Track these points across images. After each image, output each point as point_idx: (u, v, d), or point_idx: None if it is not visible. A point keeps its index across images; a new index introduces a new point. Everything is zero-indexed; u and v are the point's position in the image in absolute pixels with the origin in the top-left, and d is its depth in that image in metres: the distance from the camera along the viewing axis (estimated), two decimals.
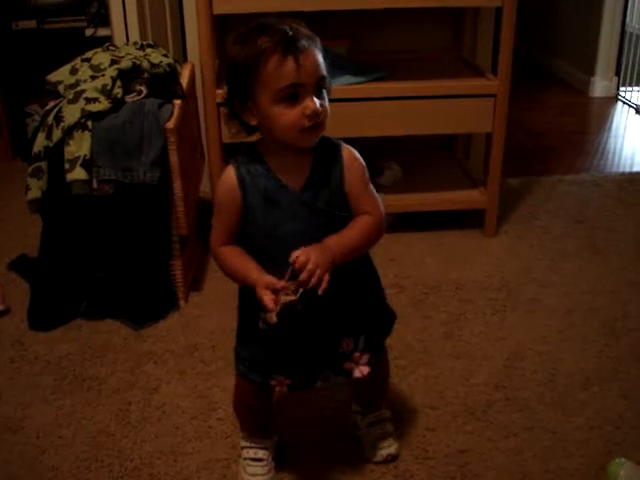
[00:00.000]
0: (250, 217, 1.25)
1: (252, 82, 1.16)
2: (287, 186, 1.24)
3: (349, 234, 1.24)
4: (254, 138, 1.28)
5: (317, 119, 1.17)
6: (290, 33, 1.15)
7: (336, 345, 1.33)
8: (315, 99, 1.16)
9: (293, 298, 1.15)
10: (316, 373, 1.35)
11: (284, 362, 1.34)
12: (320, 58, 1.18)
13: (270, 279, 1.18)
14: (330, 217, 1.25)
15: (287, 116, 1.16)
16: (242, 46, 1.17)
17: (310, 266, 1.14)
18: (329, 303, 1.21)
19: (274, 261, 1.22)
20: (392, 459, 1.52)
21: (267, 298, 1.16)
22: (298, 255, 1.15)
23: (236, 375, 1.43)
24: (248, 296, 1.25)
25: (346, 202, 1.27)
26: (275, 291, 1.16)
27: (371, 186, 1.29)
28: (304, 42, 1.15)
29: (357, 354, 1.35)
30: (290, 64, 1.13)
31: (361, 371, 1.36)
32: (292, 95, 1.15)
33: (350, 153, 1.28)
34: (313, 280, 1.15)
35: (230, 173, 1.25)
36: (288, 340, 1.30)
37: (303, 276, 1.15)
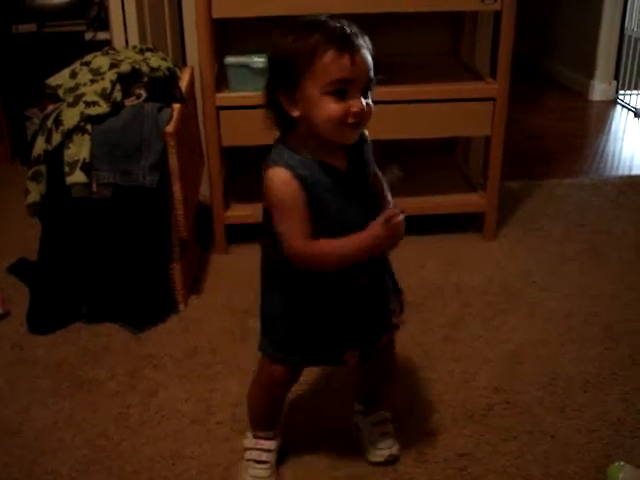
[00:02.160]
0: (319, 210, 1.25)
1: (303, 72, 1.18)
2: (346, 173, 1.28)
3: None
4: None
5: (361, 117, 1.20)
6: (348, 31, 1.18)
7: (387, 304, 1.40)
8: (362, 98, 1.20)
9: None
10: (379, 334, 1.40)
11: (355, 332, 1.36)
12: (371, 59, 1.21)
13: (378, 220, 1.23)
14: (373, 198, 1.35)
15: (332, 108, 1.18)
16: (295, 38, 1.19)
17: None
18: (381, 269, 1.35)
19: None
20: (393, 460, 1.52)
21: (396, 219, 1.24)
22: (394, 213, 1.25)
23: (270, 367, 1.40)
24: (317, 282, 1.30)
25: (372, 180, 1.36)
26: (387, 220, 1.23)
27: None
28: (360, 41, 1.19)
29: (395, 308, 1.43)
30: (345, 60, 1.17)
31: (401, 321, 1.45)
32: (341, 90, 1.18)
33: (365, 133, 1.34)
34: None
35: (286, 175, 1.22)
36: (358, 308, 1.35)
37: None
